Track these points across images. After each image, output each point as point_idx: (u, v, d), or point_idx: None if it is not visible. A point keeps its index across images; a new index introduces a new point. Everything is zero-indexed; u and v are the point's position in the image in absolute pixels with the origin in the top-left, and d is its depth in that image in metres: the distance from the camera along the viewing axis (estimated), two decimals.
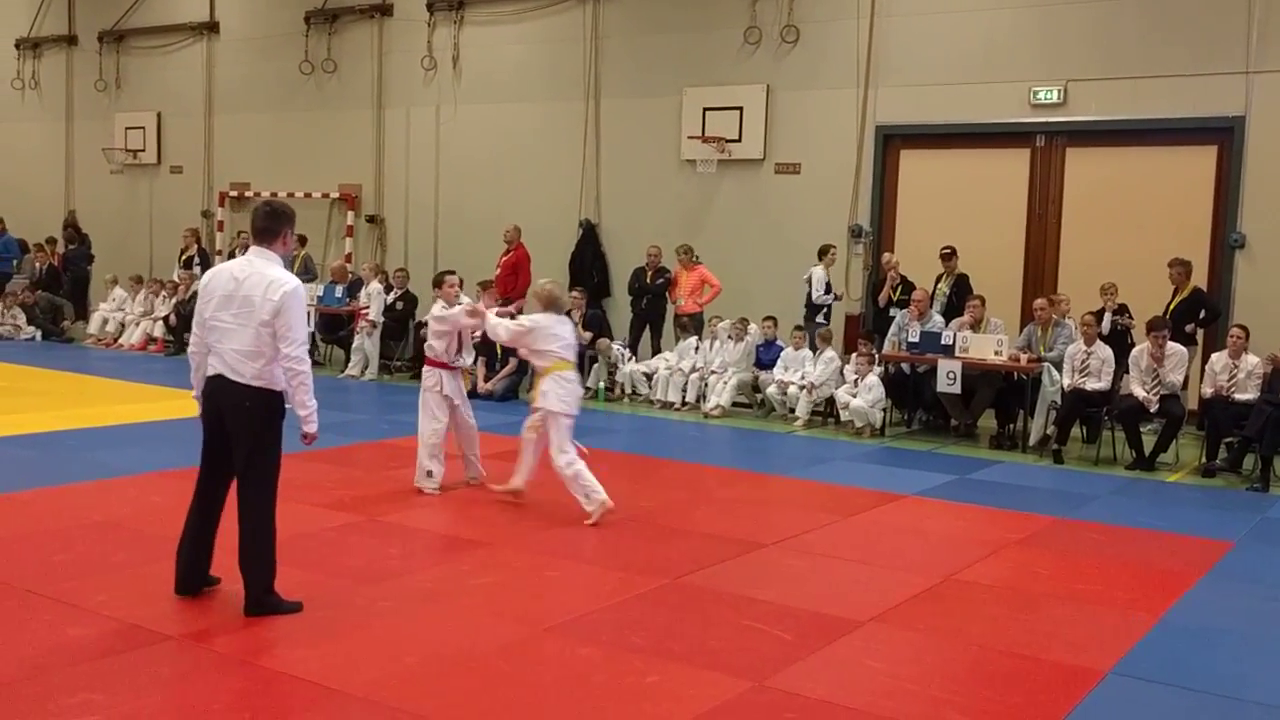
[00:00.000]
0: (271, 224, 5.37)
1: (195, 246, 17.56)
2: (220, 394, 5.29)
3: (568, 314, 12.35)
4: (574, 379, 7.72)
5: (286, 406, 5.39)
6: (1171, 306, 11.25)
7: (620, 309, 14.45)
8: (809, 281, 12.92)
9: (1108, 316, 11.31)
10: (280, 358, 5.22)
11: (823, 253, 13.00)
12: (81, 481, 7.95)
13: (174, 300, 16.46)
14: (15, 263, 18.76)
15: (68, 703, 4.29)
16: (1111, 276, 11.61)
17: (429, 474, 8.07)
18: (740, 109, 14.20)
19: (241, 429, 5.31)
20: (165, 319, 16.42)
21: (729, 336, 12.64)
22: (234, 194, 18.69)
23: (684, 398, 12.73)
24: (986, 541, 7.35)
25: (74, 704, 4.28)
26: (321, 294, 15.19)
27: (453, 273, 8.45)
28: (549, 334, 7.63)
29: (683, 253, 13.67)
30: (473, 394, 10.04)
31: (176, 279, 16.82)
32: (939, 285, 12.36)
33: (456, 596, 5.83)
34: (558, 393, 7.56)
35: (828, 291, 12.95)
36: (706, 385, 12.61)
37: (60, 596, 5.48)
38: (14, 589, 5.57)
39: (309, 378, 5.34)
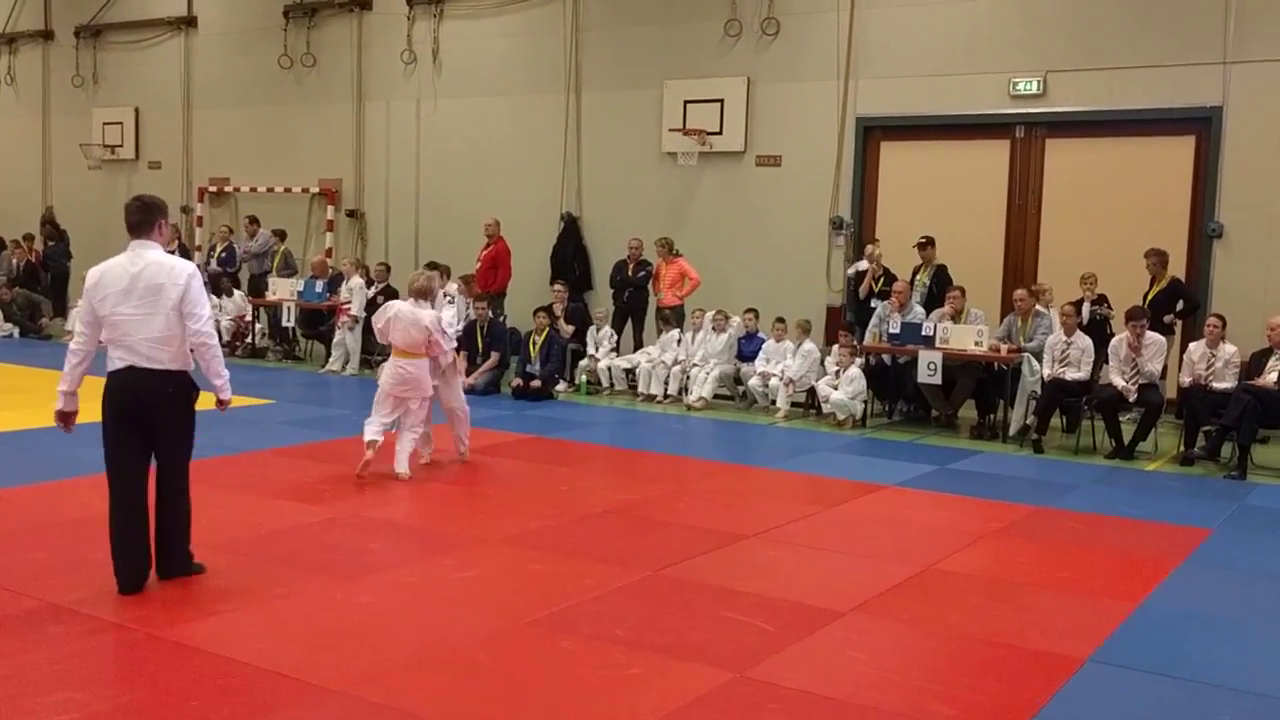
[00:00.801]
0: (145, 217, 5.60)
1: (175, 242, 17.45)
2: (138, 384, 5.44)
3: (549, 308, 12.55)
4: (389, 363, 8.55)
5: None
6: (1150, 296, 11.32)
7: (602, 302, 14.44)
8: (853, 278, 12.87)
9: (1087, 306, 11.37)
10: (191, 334, 5.48)
11: (863, 248, 12.93)
12: (59, 479, 7.90)
13: None
14: None
15: (47, 700, 4.28)
16: (1091, 267, 11.67)
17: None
18: (721, 101, 14.20)
19: (168, 414, 5.54)
20: None
21: (712, 329, 12.65)
22: (213, 189, 18.60)
23: (666, 390, 12.74)
24: (967, 531, 7.38)
25: (54, 702, 4.26)
26: (302, 289, 15.13)
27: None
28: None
29: (662, 246, 13.67)
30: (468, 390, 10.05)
31: None
32: (918, 276, 12.41)
33: (438, 590, 5.82)
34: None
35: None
36: (689, 378, 12.62)
37: (37, 594, 5.45)
38: None
39: (219, 349, 5.66)
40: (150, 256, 5.50)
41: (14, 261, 18.33)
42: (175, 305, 5.42)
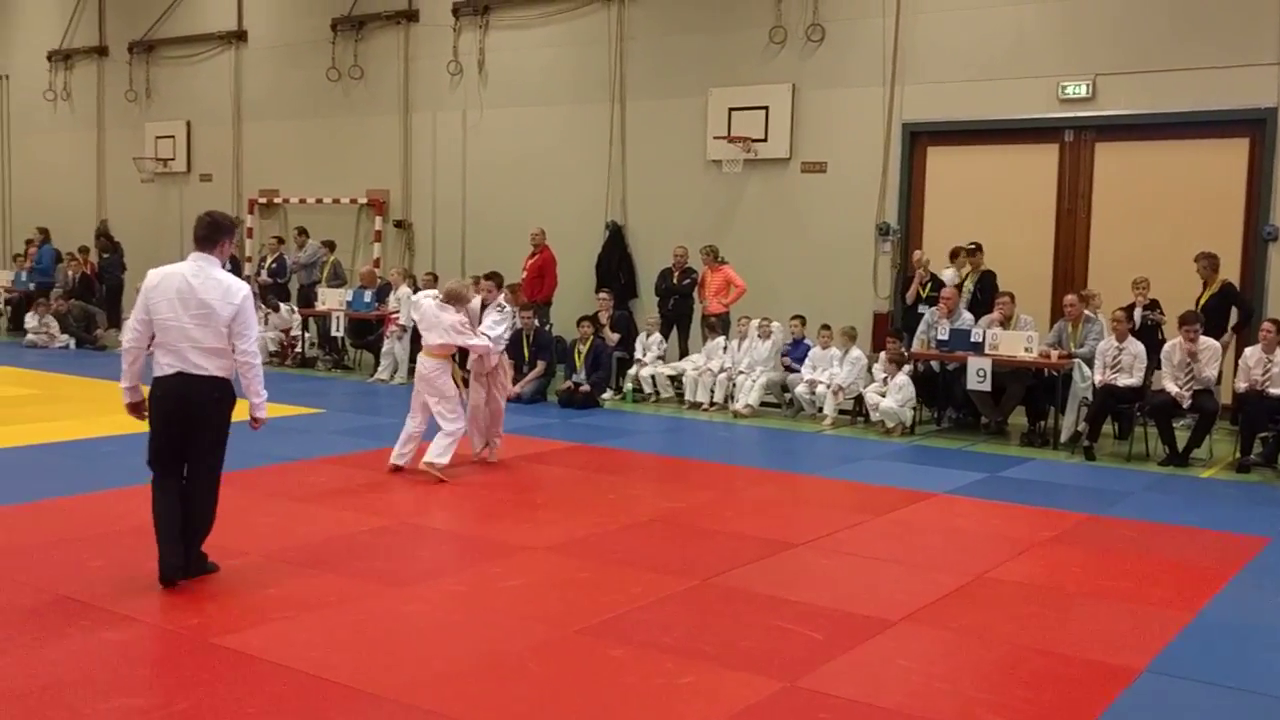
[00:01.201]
0: (212, 233, 5.90)
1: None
2: (185, 389, 5.69)
3: (594, 317, 12.64)
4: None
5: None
6: (1202, 300, 11.15)
7: (646, 310, 14.45)
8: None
9: (1138, 311, 11.21)
10: (237, 353, 5.75)
11: (954, 255, 12.62)
12: (116, 488, 8.03)
13: None
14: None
15: (105, 707, 4.34)
16: (1143, 271, 11.51)
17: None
18: (766, 108, 14.18)
19: (208, 418, 5.76)
20: None
21: (758, 336, 12.62)
22: (263, 201, 18.84)
23: (712, 398, 12.72)
24: (1018, 539, 7.30)
25: (111, 708, 4.33)
26: (350, 299, 15.28)
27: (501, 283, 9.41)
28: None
29: (708, 253, 13.68)
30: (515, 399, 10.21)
31: None
32: (964, 282, 12.30)
33: (487, 598, 5.85)
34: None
35: None
36: (734, 385, 12.61)
37: (96, 601, 5.53)
38: (52, 594, 5.64)
39: (260, 370, 5.93)
40: (211, 272, 5.77)
41: (70, 274, 18.66)
42: (227, 323, 5.69)
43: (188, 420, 5.72)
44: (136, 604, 5.52)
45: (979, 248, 12.25)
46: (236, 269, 17.06)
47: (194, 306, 5.66)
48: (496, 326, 9.02)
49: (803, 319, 12.62)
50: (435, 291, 9.09)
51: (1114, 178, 12.55)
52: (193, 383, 5.67)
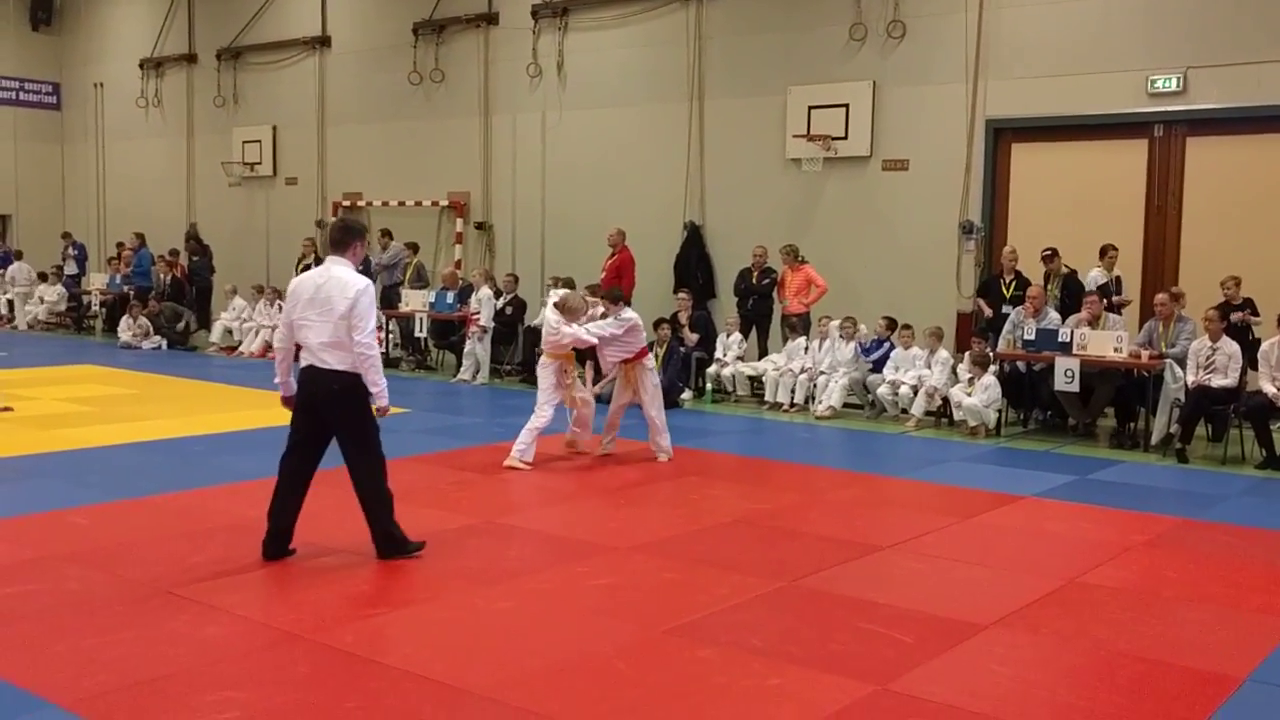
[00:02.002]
0: (344, 237, 6.36)
1: (313, 255, 18.05)
2: (312, 381, 6.19)
3: (672, 319, 12.84)
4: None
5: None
6: None
7: (725, 310, 14.43)
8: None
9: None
10: (355, 345, 6.09)
11: (1102, 252, 12.05)
12: (210, 486, 8.23)
13: None
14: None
15: (208, 699, 4.46)
16: (1236, 269, 11.21)
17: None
18: (846, 106, 14.06)
19: (337, 410, 6.21)
20: None
21: (840, 336, 12.53)
22: (346, 204, 19.14)
23: (793, 399, 12.67)
24: (1110, 543, 7.16)
25: (214, 701, 4.44)
26: (433, 300, 15.47)
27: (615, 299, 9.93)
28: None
29: (788, 253, 13.61)
30: None
31: None
32: (1048, 287, 12.07)
33: (575, 598, 5.89)
34: None
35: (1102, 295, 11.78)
36: (816, 386, 12.53)
37: (197, 597, 5.68)
38: (154, 589, 5.80)
39: (378, 360, 6.23)
40: (335, 272, 6.21)
41: (161, 276, 19.14)
42: (344, 316, 6.07)
43: (314, 410, 6.22)
44: (235, 599, 5.66)
45: (1055, 253, 12.03)
46: (367, 270, 17.45)
47: (318, 304, 6.12)
48: (604, 328, 9.54)
49: (892, 320, 12.46)
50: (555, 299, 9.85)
51: (1206, 173, 12.23)
52: (318, 375, 6.14)
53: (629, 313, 9.69)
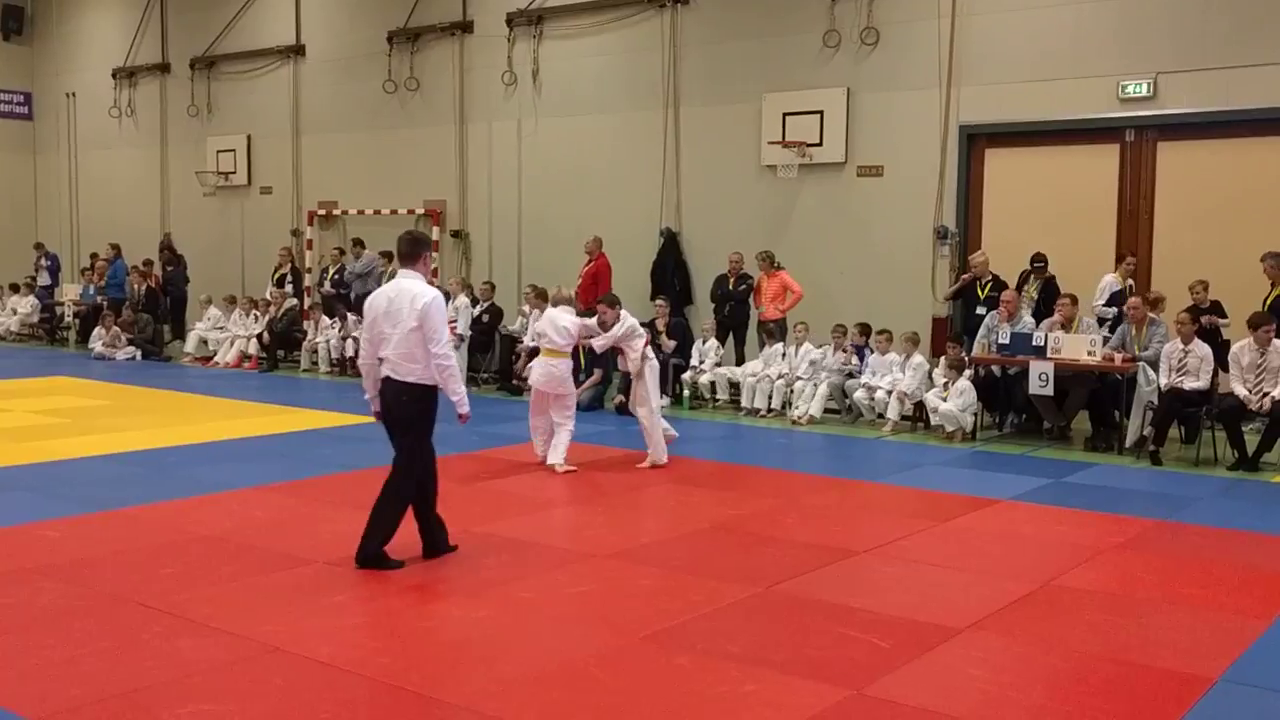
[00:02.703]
0: (413, 249, 6.55)
1: (289, 265, 17.98)
2: (390, 392, 6.39)
3: (650, 324, 12.83)
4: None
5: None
6: (1269, 301, 10.91)
7: (702, 316, 14.45)
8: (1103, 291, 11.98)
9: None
10: (430, 356, 6.26)
11: (1119, 259, 12.11)
12: (185, 497, 8.18)
13: (266, 318, 16.86)
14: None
15: (182, 712, 4.43)
16: (1207, 273, 11.31)
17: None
18: (821, 113, 14.12)
19: (400, 416, 6.40)
20: (259, 336, 16.82)
21: (835, 347, 12.55)
22: (322, 213, 19.07)
23: (769, 404, 12.69)
24: (1085, 546, 7.21)
25: (188, 714, 4.41)
26: None
27: (614, 302, 9.95)
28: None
29: (764, 259, 13.65)
30: None
31: (269, 297, 17.22)
32: (1026, 288, 12.15)
33: (552, 606, 5.88)
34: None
35: (1110, 302, 11.76)
36: (792, 391, 12.56)
37: (170, 609, 5.64)
38: (127, 601, 5.76)
39: (455, 370, 6.45)
40: (405, 284, 6.38)
41: (135, 287, 19.01)
42: (415, 328, 6.25)
43: (388, 417, 6.46)
44: (208, 611, 5.62)
45: (1046, 262, 12.10)
46: (297, 280, 17.38)
47: (391, 317, 6.30)
48: (621, 328, 9.82)
49: (864, 326, 12.48)
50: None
51: (1177, 178, 12.34)
52: (391, 386, 6.36)
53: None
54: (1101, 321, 11.63)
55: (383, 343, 6.33)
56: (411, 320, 6.22)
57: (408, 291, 6.31)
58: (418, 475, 6.50)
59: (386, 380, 6.35)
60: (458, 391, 6.40)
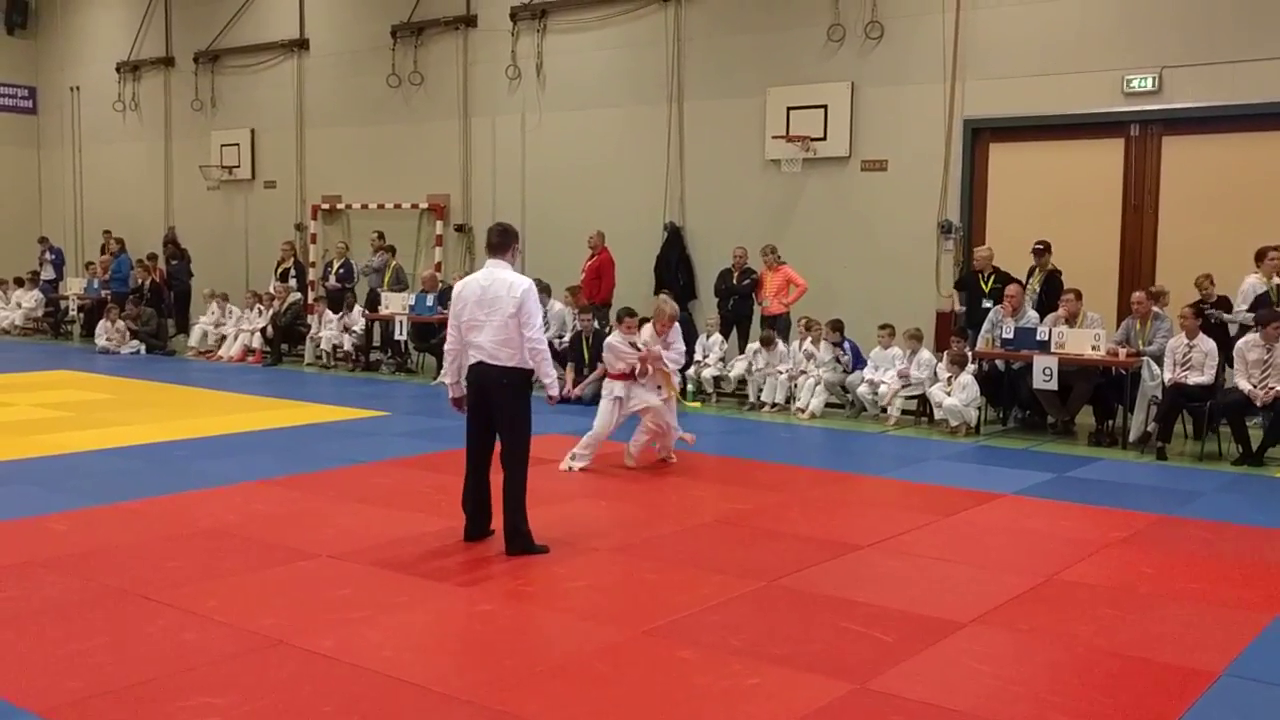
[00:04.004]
0: (503, 240, 6.76)
1: (292, 259, 17.99)
2: (483, 376, 6.59)
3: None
4: None
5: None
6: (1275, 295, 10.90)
7: (706, 311, 14.45)
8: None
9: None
10: (525, 340, 6.51)
11: (1259, 256, 10.88)
12: (188, 491, 8.19)
13: (270, 312, 16.87)
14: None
15: (185, 705, 4.43)
16: (1212, 267, 11.30)
17: (573, 457, 9.20)
18: (825, 107, 14.10)
19: (502, 400, 6.59)
20: (262, 330, 16.83)
21: (811, 341, 12.57)
22: (325, 207, 19.08)
23: (774, 399, 12.69)
24: (1089, 541, 7.20)
25: (192, 706, 4.42)
26: (413, 303, 15.44)
27: (633, 314, 9.62)
28: None
29: (767, 253, 13.65)
30: (564, 400, 10.38)
31: (273, 291, 17.24)
32: (1030, 281, 12.15)
33: (555, 599, 5.89)
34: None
35: (1254, 307, 10.59)
36: (796, 386, 12.56)
37: (174, 602, 5.65)
38: (131, 595, 5.77)
39: (548, 354, 6.73)
40: (498, 274, 6.62)
41: (140, 281, 19.04)
42: (512, 315, 6.49)
43: (486, 403, 6.61)
44: (212, 604, 5.63)
45: (1047, 247, 12.08)
46: (301, 274, 17.39)
47: (485, 305, 6.53)
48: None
49: (834, 324, 12.51)
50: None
51: (1182, 172, 12.32)
52: (488, 371, 6.55)
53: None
54: (1244, 329, 10.53)
55: (474, 329, 6.54)
56: (510, 307, 6.46)
57: (503, 280, 6.55)
58: (521, 457, 6.66)
59: (480, 366, 6.56)
60: (550, 374, 6.70)
